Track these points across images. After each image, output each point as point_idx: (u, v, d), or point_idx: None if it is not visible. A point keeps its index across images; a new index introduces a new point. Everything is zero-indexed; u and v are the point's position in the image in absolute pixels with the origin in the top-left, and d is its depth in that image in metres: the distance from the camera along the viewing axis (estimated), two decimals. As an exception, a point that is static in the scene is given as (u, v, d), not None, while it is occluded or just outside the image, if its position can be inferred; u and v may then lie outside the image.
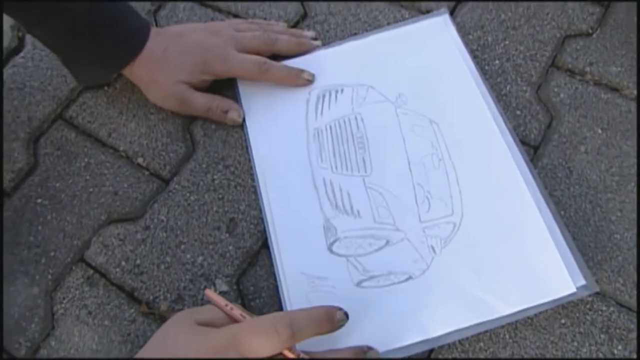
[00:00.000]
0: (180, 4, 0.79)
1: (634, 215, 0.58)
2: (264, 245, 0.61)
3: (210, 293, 0.51)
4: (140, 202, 0.65)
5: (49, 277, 0.62)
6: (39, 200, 0.66)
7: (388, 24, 0.73)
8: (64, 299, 0.60)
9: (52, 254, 0.63)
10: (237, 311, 0.49)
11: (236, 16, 0.77)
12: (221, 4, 0.78)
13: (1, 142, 0.70)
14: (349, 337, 0.53)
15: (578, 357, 0.53)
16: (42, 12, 0.61)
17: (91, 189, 0.66)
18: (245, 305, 0.58)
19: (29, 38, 0.79)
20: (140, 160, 0.68)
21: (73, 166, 0.68)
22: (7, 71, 0.76)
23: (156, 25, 0.78)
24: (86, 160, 0.68)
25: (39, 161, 0.69)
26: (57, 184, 0.67)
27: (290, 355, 0.47)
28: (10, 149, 0.70)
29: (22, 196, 0.67)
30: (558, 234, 0.56)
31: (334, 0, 0.76)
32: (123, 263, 0.61)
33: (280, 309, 0.57)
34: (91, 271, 0.62)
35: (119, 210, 0.65)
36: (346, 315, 0.50)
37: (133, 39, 0.66)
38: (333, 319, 0.49)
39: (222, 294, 0.58)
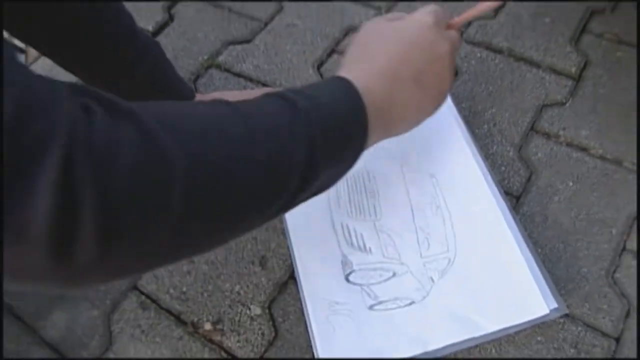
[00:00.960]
0: (216, 74, 0.92)
1: (598, 253, 0.69)
2: (291, 276, 0.71)
3: None
4: (185, 240, 0.76)
5: (107, 302, 0.72)
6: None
7: (394, 93, 0.85)
8: (120, 320, 0.71)
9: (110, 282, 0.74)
10: None
11: (265, 85, 0.90)
12: (252, 74, 0.91)
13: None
14: (360, 350, 0.64)
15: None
16: (112, 78, 0.71)
17: (142, 229, 0.77)
18: (275, 327, 0.68)
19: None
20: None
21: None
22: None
23: (195, 91, 0.90)
24: (137, 205, 0.80)
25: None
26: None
27: None
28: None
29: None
30: (535, 267, 0.65)
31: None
32: (172, 290, 0.72)
33: (306, 329, 0.67)
34: (144, 297, 0.72)
35: (167, 247, 0.76)
36: None
37: (182, 104, 0.77)
38: None
39: (256, 317, 0.69)
